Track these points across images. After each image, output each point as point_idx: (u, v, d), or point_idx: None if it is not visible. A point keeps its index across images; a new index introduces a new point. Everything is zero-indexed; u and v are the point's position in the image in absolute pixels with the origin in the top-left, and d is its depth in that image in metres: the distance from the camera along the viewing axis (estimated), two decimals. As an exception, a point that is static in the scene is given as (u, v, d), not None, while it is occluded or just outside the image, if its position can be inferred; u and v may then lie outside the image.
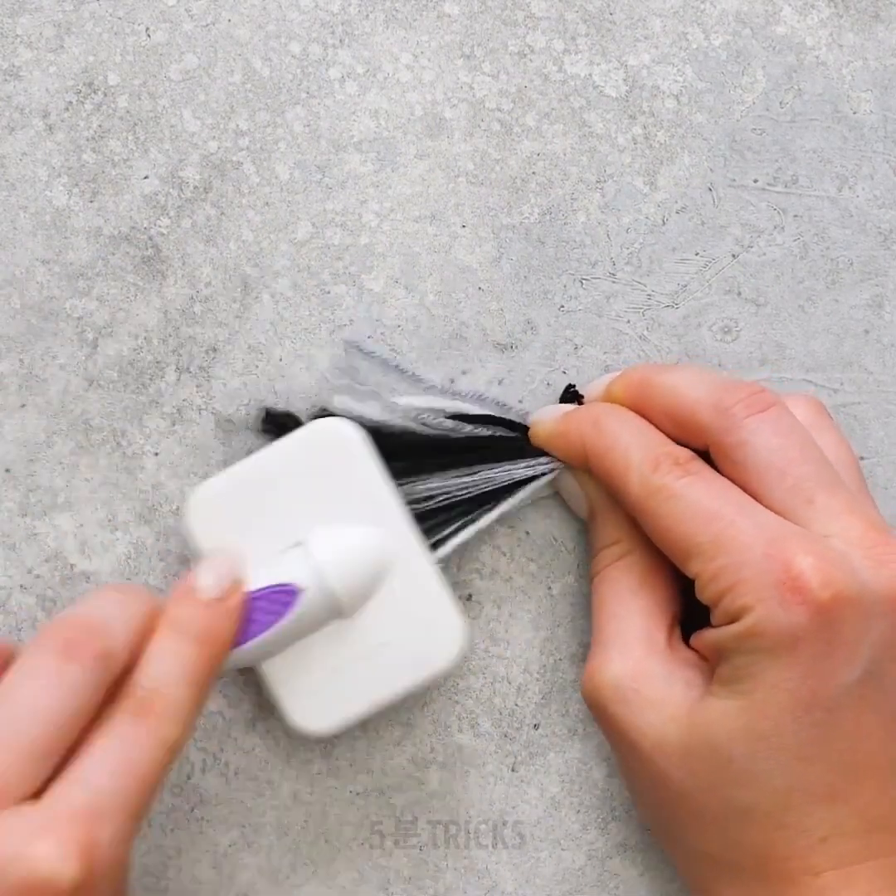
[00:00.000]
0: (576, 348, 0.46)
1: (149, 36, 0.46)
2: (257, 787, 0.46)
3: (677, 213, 0.46)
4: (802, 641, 0.38)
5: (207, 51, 0.46)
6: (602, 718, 0.42)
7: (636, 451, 0.41)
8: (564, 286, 0.46)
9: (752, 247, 0.46)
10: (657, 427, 0.42)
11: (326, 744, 0.46)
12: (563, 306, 0.46)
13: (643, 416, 0.42)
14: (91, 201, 0.46)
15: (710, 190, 0.46)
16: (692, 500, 0.40)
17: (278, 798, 0.46)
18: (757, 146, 0.46)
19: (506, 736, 0.46)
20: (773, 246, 0.46)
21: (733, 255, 0.46)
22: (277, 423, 0.45)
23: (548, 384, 0.46)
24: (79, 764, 0.37)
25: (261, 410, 0.45)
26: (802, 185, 0.46)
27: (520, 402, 0.46)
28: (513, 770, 0.46)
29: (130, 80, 0.46)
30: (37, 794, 0.36)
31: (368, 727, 0.46)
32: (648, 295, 0.46)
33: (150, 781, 0.37)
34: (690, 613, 0.42)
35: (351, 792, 0.46)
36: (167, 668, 0.39)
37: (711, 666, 0.40)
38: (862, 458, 0.46)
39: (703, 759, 0.39)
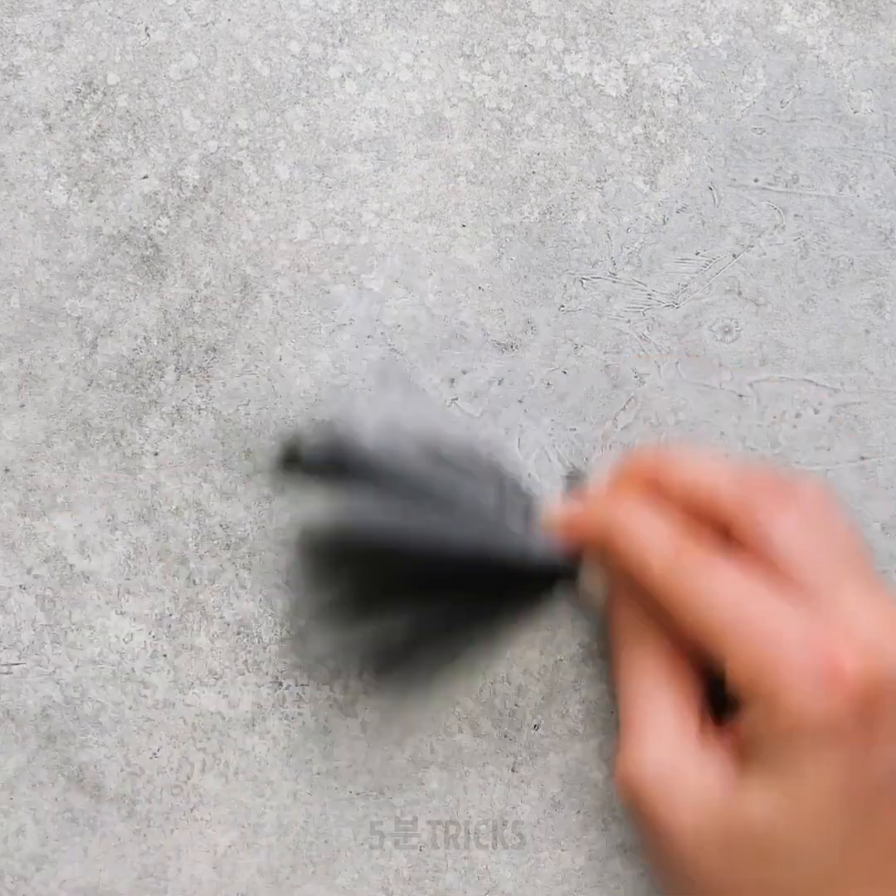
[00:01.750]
0: (576, 348, 0.46)
1: (148, 35, 0.46)
2: (257, 787, 0.46)
3: (678, 212, 0.46)
4: (843, 730, 0.37)
5: (207, 50, 0.46)
6: (635, 809, 0.41)
7: (658, 539, 0.41)
8: (564, 286, 0.46)
9: (752, 246, 0.46)
10: (676, 511, 0.42)
11: (326, 744, 0.46)
12: (563, 306, 0.46)
13: (659, 505, 0.42)
14: (90, 201, 0.46)
15: (711, 189, 0.46)
16: (721, 587, 0.39)
17: (278, 798, 0.46)
18: (757, 145, 0.46)
19: (506, 736, 0.46)
20: (773, 245, 0.46)
21: (734, 255, 0.46)
22: (293, 459, 0.44)
23: (548, 384, 0.46)
24: None
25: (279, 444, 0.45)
26: (803, 185, 0.46)
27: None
28: (513, 770, 0.46)
29: (130, 80, 0.46)
30: None
31: (368, 727, 0.46)
32: (649, 294, 0.46)
33: None
34: (714, 696, 0.42)
35: (351, 792, 0.46)
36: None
37: (744, 752, 0.40)
38: (862, 459, 0.46)
39: (744, 848, 0.39)
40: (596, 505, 0.43)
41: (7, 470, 0.45)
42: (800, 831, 0.38)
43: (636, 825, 0.42)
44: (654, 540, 0.41)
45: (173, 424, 0.46)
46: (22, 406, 0.45)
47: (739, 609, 0.39)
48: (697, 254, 0.46)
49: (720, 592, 0.39)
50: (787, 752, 0.38)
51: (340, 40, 0.46)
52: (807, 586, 0.40)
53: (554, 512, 0.44)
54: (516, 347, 0.46)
